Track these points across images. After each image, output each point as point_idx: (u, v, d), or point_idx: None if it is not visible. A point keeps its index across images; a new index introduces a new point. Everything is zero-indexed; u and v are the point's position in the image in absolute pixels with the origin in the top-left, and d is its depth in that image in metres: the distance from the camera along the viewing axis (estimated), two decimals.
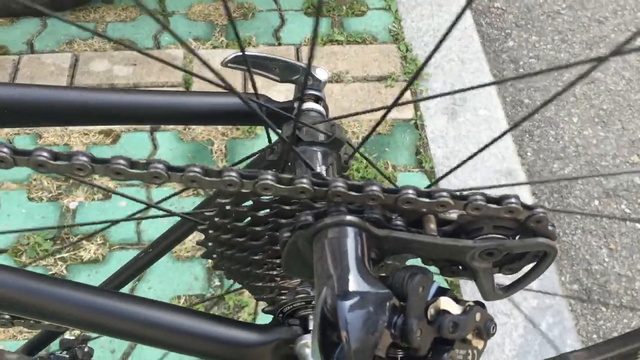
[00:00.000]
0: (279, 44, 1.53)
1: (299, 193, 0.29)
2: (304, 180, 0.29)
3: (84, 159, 0.31)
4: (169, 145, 1.33)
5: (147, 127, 1.36)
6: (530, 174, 1.36)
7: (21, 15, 1.56)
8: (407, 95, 1.46)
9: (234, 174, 0.29)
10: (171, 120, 0.48)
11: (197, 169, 0.29)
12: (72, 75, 1.44)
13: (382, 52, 1.54)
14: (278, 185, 0.29)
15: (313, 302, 0.38)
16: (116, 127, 1.37)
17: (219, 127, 1.38)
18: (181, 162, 1.28)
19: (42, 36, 1.52)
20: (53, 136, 1.34)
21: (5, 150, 0.31)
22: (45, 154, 0.31)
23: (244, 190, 0.29)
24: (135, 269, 0.57)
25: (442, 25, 1.60)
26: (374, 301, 0.27)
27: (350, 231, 0.29)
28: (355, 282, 0.28)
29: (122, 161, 0.31)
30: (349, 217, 0.29)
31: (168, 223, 1.19)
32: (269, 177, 0.29)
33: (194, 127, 1.36)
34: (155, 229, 1.21)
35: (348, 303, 0.27)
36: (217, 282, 1.15)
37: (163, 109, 0.46)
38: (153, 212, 1.16)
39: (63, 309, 0.36)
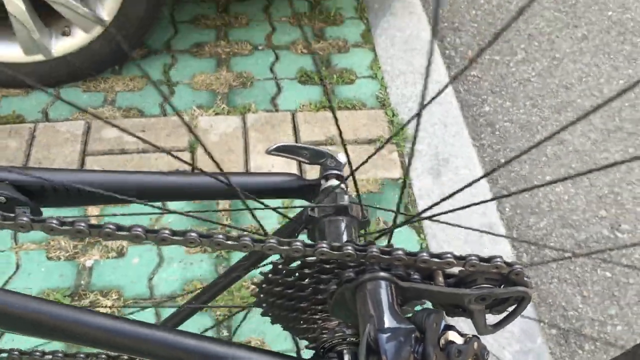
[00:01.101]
0: (276, 111, 1.67)
1: (346, 257, 0.40)
2: (349, 247, 0.40)
3: (83, 225, 0.42)
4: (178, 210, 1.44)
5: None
6: (508, 227, 1.48)
7: (36, 87, 1.68)
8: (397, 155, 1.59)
9: (299, 244, 0.40)
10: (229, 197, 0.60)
11: (273, 241, 0.40)
12: (85, 142, 1.55)
13: (370, 117, 1.68)
14: (331, 252, 0.40)
15: (348, 339, 0.48)
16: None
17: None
18: (183, 226, 1.39)
19: (56, 105, 1.64)
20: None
21: (24, 218, 0.42)
22: (55, 221, 0.42)
23: (304, 256, 0.41)
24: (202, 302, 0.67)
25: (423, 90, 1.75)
26: (403, 334, 0.38)
27: (383, 284, 0.41)
28: (389, 321, 0.39)
29: (111, 226, 0.42)
30: (382, 274, 0.41)
31: (178, 280, 1.28)
32: (325, 245, 0.40)
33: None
34: (166, 284, 1.30)
35: (385, 336, 0.38)
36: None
37: (219, 189, 0.57)
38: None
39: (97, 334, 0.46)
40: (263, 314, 0.51)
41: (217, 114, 1.65)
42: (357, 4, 2.01)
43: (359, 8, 2.00)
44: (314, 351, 0.50)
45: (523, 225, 1.48)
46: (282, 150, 0.57)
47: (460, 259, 0.42)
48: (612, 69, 1.83)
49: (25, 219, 0.43)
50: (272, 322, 0.52)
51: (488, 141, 1.66)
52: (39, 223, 0.42)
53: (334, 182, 0.56)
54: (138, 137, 0.41)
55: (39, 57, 1.61)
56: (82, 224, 0.43)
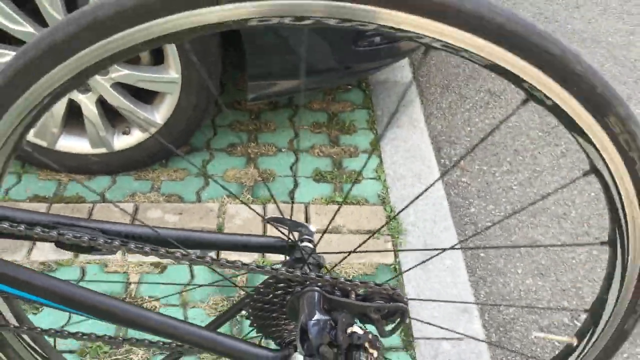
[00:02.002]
0: (293, 202, 1.99)
1: (296, 278, 0.69)
2: (299, 273, 0.69)
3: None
4: (204, 275, 1.74)
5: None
6: (482, 311, 1.73)
7: (97, 174, 2.05)
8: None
9: (283, 270, 0.69)
10: (230, 249, 0.90)
11: (283, 270, 0.69)
12: (132, 220, 1.89)
13: (372, 212, 1.98)
14: (292, 275, 0.69)
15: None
16: (164, 260, 1.78)
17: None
18: (212, 287, 1.68)
19: (112, 189, 2.00)
20: (115, 266, 1.76)
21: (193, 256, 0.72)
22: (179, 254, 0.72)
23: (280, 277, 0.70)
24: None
25: (419, 192, 2.06)
26: (323, 323, 0.66)
27: (316, 294, 0.69)
28: (316, 315, 0.67)
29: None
30: (315, 288, 0.69)
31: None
32: (289, 271, 0.69)
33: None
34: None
35: (312, 322, 0.66)
36: None
37: (226, 242, 0.87)
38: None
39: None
40: (251, 325, 0.80)
41: (243, 203, 1.98)
42: (369, 117, 2.37)
43: (370, 120, 2.35)
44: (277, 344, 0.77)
45: (494, 310, 1.73)
46: (275, 221, 0.87)
47: (363, 283, 0.70)
48: (585, 183, 2.12)
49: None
50: (257, 333, 0.80)
51: (472, 238, 1.93)
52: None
53: (306, 243, 0.86)
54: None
55: (103, 150, 1.99)
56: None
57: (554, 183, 2.12)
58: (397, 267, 1.81)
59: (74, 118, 1.96)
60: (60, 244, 0.77)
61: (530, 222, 1.97)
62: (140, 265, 1.76)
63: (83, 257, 1.77)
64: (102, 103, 1.92)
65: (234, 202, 1.97)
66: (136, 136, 2.00)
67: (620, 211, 0.68)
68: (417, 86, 2.58)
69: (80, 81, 0.61)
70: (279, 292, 0.74)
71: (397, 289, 0.71)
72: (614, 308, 0.77)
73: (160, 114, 1.95)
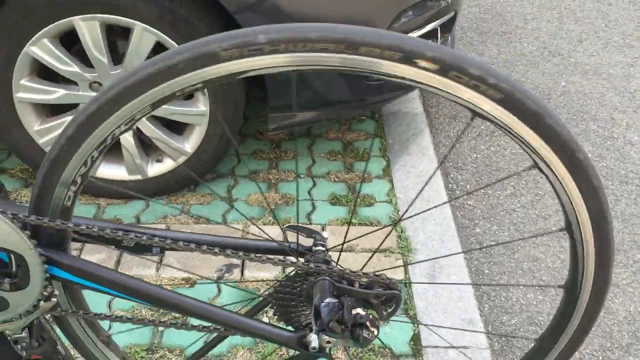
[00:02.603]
0: (310, 223, 2.16)
1: (312, 270, 0.86)
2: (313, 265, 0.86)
3: None
4: (229, 291, 1.91)
5: (215, 275, 1.95)
6: (486, 322, 1.87)
7: (133, 198, 2.24)
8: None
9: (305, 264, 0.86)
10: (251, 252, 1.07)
11: (302, 263, 0.86)
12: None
13: (384, 232, 2.14)
14: (308, 267, 0.86)
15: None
16: (194, 276, 1.96)
17: (264, 279, 1.96)
18: (238, 304, 1.85)
19: (146, 213, 2.19)
20: (150, 280, 1.94)
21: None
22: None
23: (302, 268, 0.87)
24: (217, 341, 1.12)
25: (428, 214, 2.22)
26: (332, 305, 0.83)
27: (327, 282, 0.86)
28: (327, 299, 0.84)
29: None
30: (326, 278, 0.86)
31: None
32: (310, 264, 0.86)
33: (246, 280, 1.94)
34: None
35: (323, 304, 0.83)
36: None
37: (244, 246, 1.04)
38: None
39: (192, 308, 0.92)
40: (274, 314, 0.96)
41: (265, 224, 2.15)
42: (381, 145, 2.55)
43: (382, 148, 2.53)
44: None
45: (497, 322, 1.87)
46: (293, 228, 1.04)
47: (365, 274, 0.87)
48: None
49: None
50: (278, 320, 0.96)
51: (476, 255, 2.08)
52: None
53: (320, 248, 1.03)
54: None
55: (138, 177, 2.18)
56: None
57: (555, 206, 2.27)
58: (406, 282, 1.96)
59: (112, 148, 2.16)
60: (122, 246, 0.95)
61: (532, 241, 2.12)
62: (172, 280, 1.94)
63: None
64: (137, 133, 2.13)
65: (258, 223, 2.15)
66: (168, 164, 2.19)
67: (569, 204, 0.85)
68: (426, 116, 2.75)
69: (148, 112, 0.80)
70: (297, 284, 0.91)
71: (393, 279, 0.87)
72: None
73: (190, 144, 2.15)
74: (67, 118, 2.07)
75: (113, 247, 0.98)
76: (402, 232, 2.14)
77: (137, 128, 2.10)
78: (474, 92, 0.76)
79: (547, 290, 1.95)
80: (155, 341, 1.76)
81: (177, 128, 2.17)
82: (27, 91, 1.98)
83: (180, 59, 0.75)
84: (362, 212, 2.21)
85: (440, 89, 0.76)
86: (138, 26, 1.86)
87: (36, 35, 1.87)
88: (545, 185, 2.37)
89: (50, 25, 1.86)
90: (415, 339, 1.77)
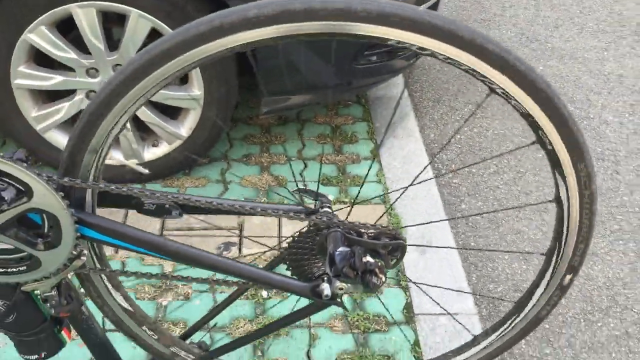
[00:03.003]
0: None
1: (325, 224, 0.94)
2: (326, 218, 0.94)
3: None
4: None
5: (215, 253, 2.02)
6: (474, 290, 1.97)
7: (130, 182, 2.30)
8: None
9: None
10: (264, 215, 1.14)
11: (316, 217, 0.94)
12: (163, 222, 2.13)
13: (374, 209, 2.22)
14: (323, 221, 0.94)
15: (326, 273, 1.00)
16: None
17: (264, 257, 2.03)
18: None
19: None
20: (152, 259, 2.00)
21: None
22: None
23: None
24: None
25: (416, 193, 2.31)
26: (344, 252, 0.91)
27: (339, 234, 0.94)
28: (340, 247, 0.92)
29: None
30: (338, 229, 0.94)
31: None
32: (323, 217, 0.94)
33: (244, 256, 2.02)
34: (219, 317, 1.80)
35: (337, 252, 0.91)
36: None
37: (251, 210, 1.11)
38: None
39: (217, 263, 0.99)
40: (289, 271, 1.04)
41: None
42: (369, 129, 2.64)
43: (370, 131, 2.62)
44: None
45: (485, 290, 1.97)
46: (301, 191, 1.12)
47: (373, 225, 0.95)
48: None
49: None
50: (292, 275, 1.04)
51: (462, 230, 2.18)
52: None
53: (326, 209, 1.11)
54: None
55: (134, 161, 2.24)
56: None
57: (536, 183, 2.38)
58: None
59: None
60: (144, 210, 1.02)
61: (515, 215, 2.22)
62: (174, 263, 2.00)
63: (122, 253, 2.01)
64: (134, 119, 2.18)
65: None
66: (163, 148, 2.25)
67: (559, 177, 0.93)
68: (411, 101, 2.85)
69: (173, 78, 0.87)
70: (310, 238, 0.99)
71: (399, 231, 0.95)
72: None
73: (185, 128, 2.21)
74: (64, 104, 2.12)
75: (136, 210, 1.05)
76: (392, 209, 2.23)
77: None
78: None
79: (530, 260, 2.06)
80: (160, 315, 1.83)
81: (172, 113, 2.23)
82: (25, 77, 2.03)
83: (206, 27, 0.82)
84: (352, 192, 2.30)
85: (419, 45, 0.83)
86: (134, 13, 1.92)
87: (34, 23, 1.91)
88: (526, 164, 2.48)
89: (48, 13, 1.90)
90: (408, 307, 1.86)
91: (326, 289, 0.97)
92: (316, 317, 1.82)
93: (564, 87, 2.93)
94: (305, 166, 2.42)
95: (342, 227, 0.95)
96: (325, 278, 0.99)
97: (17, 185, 0.90)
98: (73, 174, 0.94)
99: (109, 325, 1.76)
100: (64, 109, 2.12)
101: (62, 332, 1.17)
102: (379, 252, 0.96)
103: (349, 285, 0.95)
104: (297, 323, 1.81)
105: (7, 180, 0.90)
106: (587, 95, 2.87)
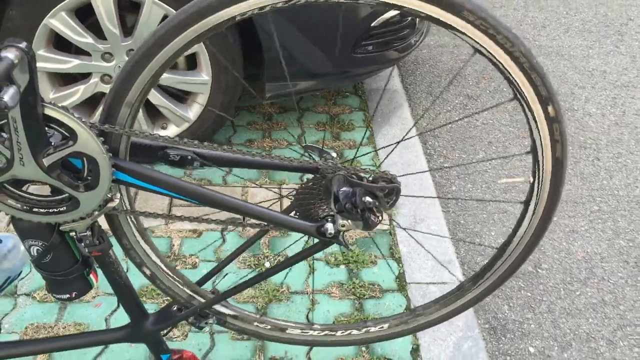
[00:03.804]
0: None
1: (330, 167, 1.08)
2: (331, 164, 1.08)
3: None
4: (233, 239, 2.11)
5: (219, 228, 2.16)
6: (462, 262, 2.11)
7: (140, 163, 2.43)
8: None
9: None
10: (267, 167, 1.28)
11: (322, 162, 1.08)
12: (170, 203, 2.26)
13: None
14: (328, 168, 1.08)
15: (330, 214, 1.13)
16: (201, 227, 2.16)
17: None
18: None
19: None
20: (161, 231, 2.13)
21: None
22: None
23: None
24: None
25: (410, 176, 2.45)
26: (346, 191, 1.05)
27: (342, 177, 1.08)
28: (343, 187, 1.06)
29: None
30: (340, 173, 1.08)
31: None
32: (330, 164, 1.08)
33: (249, 229, 2.15)
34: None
35: (341, 190, 1.05)
36: None
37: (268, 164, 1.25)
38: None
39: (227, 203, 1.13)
40: (295, 214, 1.18)
41: (261, 186, 2.36)
42: (365, 117, 2.78)
43: (366, 120, 2.76)
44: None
45: (472, 262, 2.11)
46: (309, 148, 1.26)
47: (372, 170, 1.09)
48: None
49: None
50: (299, 217, 1.18)
51: (453, 209, 2.33)
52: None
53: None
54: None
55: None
56: None
57: (522, 167, 2.53)
58: (391, 231, 2.19)
59: None
60: (169, 160, 1.16)
61: (503, 197, 2.37)
62: (181, 231, 2.14)
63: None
64: (145, 103, 2.32)
65: (255, 184, 2.36)
66: (171, 130, 2.39)
67: (534, 128, 1.08)
68: (405, 93, 3.00)
69: (188, 47, 1.01)
70: (316, 184, 1.13)
71: (395, 176, 1.09)
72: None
73: (193, 112, 2.35)
74: (80, 87, 2.25)
75: (162, 162, 1.18)
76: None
77: None
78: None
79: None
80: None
81: (181, 97, 2.37)
82: (45, 61, 2.16)
83: None
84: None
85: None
86: (148, 0, 2.06)
87: (55, 8, 2.05)
88: (512, 150, 2.63)
89: None
90: (401, 277, 2.00)
91: (330, 227, 1.11)
92: (315, 284, 1.96)
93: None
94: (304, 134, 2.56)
95: (345, 171, 1.09)
96: (329, 219, 1.13)
97: (63, 131, 1.04)
98: (111, 123, 1.07)
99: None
100: (79, 92, 2.26)
101: (91, 275, 1.30)
102: (376, 195, 1.10)
103: (350, 222, 1.09)
104: (297, 289, 1.95)
105: (54, 126, 1.04)
106: (572, 89, 3.03)
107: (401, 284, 1.98)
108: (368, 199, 1.07)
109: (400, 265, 2.06)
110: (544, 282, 2.02)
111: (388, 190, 1.10)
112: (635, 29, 3.58)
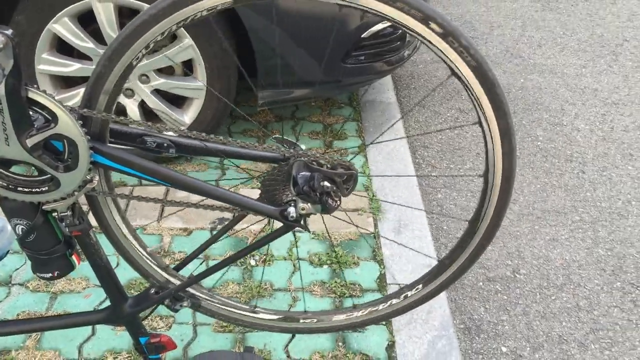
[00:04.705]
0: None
1: (291, 155, 1.16)
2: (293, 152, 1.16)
3: None
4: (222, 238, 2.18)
5: (209, 227, 2.24)
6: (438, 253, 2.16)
7: None
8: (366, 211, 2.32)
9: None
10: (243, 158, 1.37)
11: (285, 149, 1.16)
12: (166, 193, 2.35)
13: (357, 197, 2.44)
14: (289, 154, 1.16)
15: (293, 199, 1.20)
16: (191, 225, 2.24)
17: (252, 230, 2.24)
18: (226, 243, 2.13)
19: None
20: (152, 229, 2.22)
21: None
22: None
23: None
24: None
25: (396, 182, 2.52)
26: (307, 176, 1.13)
27: (302, 163, 1.16)
28: (302, 172, 1.13)
29: None
30: (300, 159, 1.15)
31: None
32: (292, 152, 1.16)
33: (236, 228, 2.23)
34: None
35: (299, 175, 1.12)
36: None
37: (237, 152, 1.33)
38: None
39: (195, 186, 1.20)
40: (260, 196, 1.26)
41: (253, 188, 2.44)
42: (358, 128, 2.86)
43: (358, 129, 2.84)
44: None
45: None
46: (278, 140, 1.34)
47: (331, 157, 1.17)
48: (533, 178, 2.59)
49: None
50: (263, 201, 1.26)
51: (437, 215, 2.39)
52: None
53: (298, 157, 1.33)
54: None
55: None
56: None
57: None
58: (376, 235, 2.26)
59: None
60: (146, 148, 1.25)
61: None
62: (172, 229, 2.22)
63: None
64: (142, 106, 2.42)
65: (246, 187, 2.44)
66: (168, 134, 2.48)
67: (479, 108, 1.14)
68: (399, 105, 3.08)
69: (169, 32, 1.10)
70: (280, 171, 1.21)
71: (352, 163, 1.16)
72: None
73: (188, 116, 2.45)
74: (81, 90, 2.36)
75: (139, 147, 1.27)
76: (373, 196, 2.44)
77: (142, 100, 2.40)
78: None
79: (495, 243, 2.26)
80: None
81: (177, 102, 2.47)
82: (48, 64, 2.27)
83: None
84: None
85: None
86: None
87: (59, 14, 2.17)
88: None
89: (71, 5, 2.16)
90: (382, 278, 2.06)
91: (292, 211, 1.19)
92: (297, 282, 2.03)
93: (541, 97, 3.16)
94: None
95: (305, 157, 1.17)
96: (292, 204, 1.21)
97: (45, 114, 1.13)
98: (90, 108, 1.16)
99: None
100: (80, 95, 2.36)
101: (73, 257, 1.38)
102: (335, 181, 1.17)
103: (310, 205, 1.17)
104: (281, 286, 2.02)
105: (37, 109, 1.13)
106: (562, 106, 3.10)
107: (381, 284, 2.04)
108: (326, 183, 1.15)
109: (382, 267, 2.12)
110: (521, 287, 2.07)
111: (346, 177, 1.17)
112: (630, 49, 3.64)
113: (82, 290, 1.97)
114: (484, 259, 2.20)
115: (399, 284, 2.08)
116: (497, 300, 2.02)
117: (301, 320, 1.49)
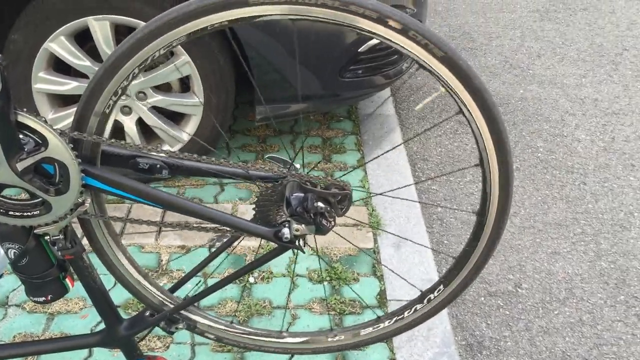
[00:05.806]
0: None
1: (284, 175, 1.14)
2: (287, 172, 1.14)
3: None
4: (220, 255, 2.17)
5: (207, 244, 2.22)
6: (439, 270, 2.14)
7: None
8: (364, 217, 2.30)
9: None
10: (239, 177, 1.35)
11: (278, 169, 1.15)
12: (162, 216, 2.34)
13: (356, 210, 2.42)
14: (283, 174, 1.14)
15: (288, 220, 1.19)
16: (189, 243, 2.22)
17: (251, 247, 2.22)
18: (224, 260, 2.11)
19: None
20: (150, 247, 2.20)
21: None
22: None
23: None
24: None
25: (395, 196, 2.50)
26: (300, 197, 1.11)
27: (294, 184, 1.14)
28: (295, 193, 1.12)
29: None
30: (292, 179, 1.14)
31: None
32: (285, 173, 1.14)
33: (235, 246, 2.21)
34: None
35: (292, 197, 1.11)
36: None
37: (230, 172, 1.32)
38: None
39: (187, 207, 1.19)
40: (255, 215, 1.24)
41: (251, 203, 2.43)
42: (357, 141, 2.85)
43: (357, 143, 2.83)
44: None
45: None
46: (273, 159, 1.33)
47: (324, 177, 1.15)
48: (534, 190, 2.57)
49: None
50: (258, 222, 1.24)
51: (437, 229, 2.37)
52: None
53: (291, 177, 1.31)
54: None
55: None
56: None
57: None
58: (375, 250, 2.24)
59: (115, 135, 2.44)
60: (138, 169, 1.23)
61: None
62: (169, 247, 2.21)
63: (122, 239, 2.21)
64: (139, 123, 2.41)
65: (244, 203, 2.43)
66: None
67: (478, 133, 1.13)
68: (398, 118, 3.07)
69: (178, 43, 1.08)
70: (274, 191, 1.19)
71: (348, 183, 1.15)
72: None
73: (185, 133, 2.44)
74: None
75: (131, 169, 1.26)
76: (373, 210, 2.42)
77: (139, 118, 2.39)
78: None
79: (495, 257, 2.23)
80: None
81: (174, 118, 2.46)
82: (44, 82, 2.27)
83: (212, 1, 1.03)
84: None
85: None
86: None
87: (55, 33, 2.17)
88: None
89: (68, 24, 2.16)
90: (382, 294, 2.04)
91: (286, 232, 1.17)
92: (297, 300, 2.01)
93: (541, 108, 3.15)
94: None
95: (299, 178, 1.15)
96: (287, 224, 1.19)
97: (36, 138, 1.12)
98: (81, 131, 1.15)
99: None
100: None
101: (66, 280, 1.36)
102: (329, 201, 1.15)
103: (304, 226, 1.15)
104: (280, 304, 2.00)
105: (28, 133, 1.11)
106: (562, 116, 3.08)
107: (382, 300, 2.02)
108: (320, 204, 1.13)
109: (382, 282, 2.09)
110: (523, 302, 2.05)
111: (341, 197, 1.16)
112: (630, 58, 3.63)
113: (79, 311, 1.95)
114: (485, 273, 2.17)
115: (399, 300, 2.05)
116: (499, 315, 2.00)
117: (329, 339, 1.48)
